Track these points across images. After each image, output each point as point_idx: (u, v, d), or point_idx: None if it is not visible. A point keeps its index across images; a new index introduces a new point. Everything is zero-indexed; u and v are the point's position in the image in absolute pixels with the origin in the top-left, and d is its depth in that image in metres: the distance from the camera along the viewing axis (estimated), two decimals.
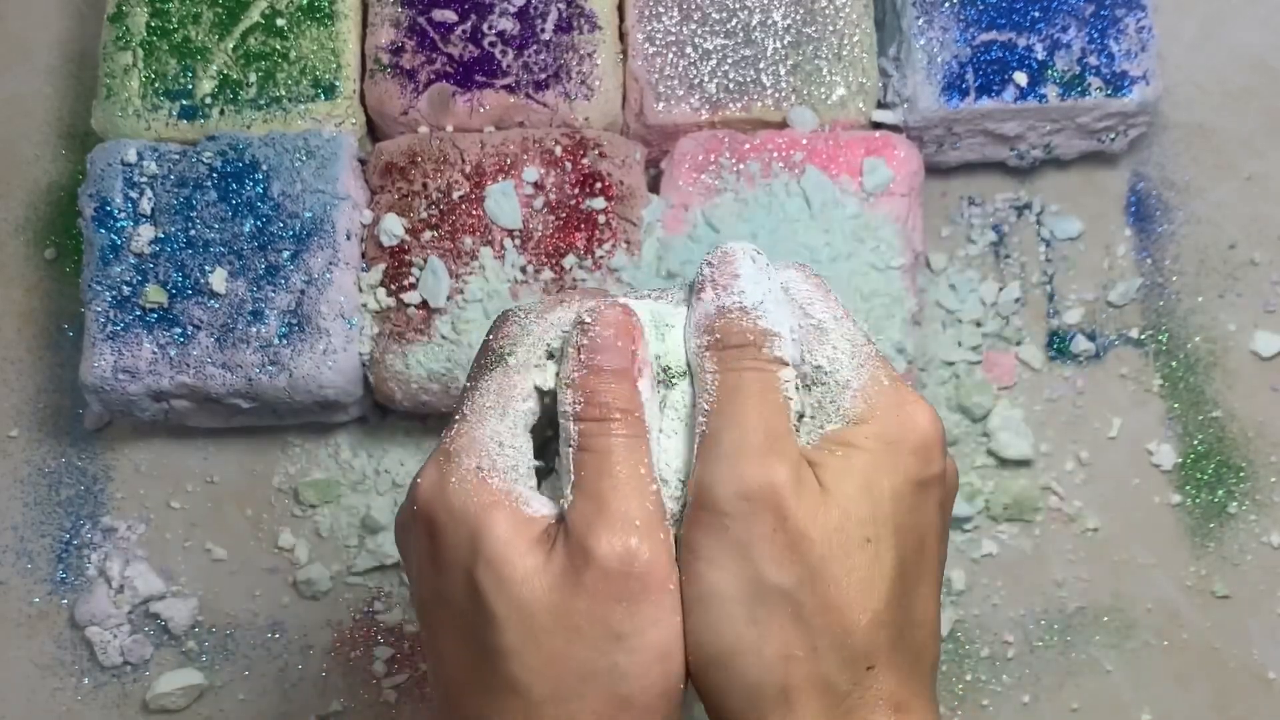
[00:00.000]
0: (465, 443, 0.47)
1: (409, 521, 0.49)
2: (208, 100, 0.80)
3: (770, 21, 0.81)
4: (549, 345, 0.50)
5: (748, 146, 0.78)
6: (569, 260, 0.76)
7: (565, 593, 0.45)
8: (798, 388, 0.49)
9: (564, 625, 0.45)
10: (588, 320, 0.48)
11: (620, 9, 0.82)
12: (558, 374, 0.49)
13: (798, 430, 0.48)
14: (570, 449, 0.47)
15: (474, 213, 0.77)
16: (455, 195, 0.77)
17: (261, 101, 0.80)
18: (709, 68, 0.80)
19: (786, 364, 0.48)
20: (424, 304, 0.76)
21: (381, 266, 0.77)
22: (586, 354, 0.48)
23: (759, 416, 0.46)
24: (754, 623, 0.45)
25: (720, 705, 0.47)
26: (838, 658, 0.45)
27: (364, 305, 0.77)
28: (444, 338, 0.75)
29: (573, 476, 0.47)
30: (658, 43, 0.81)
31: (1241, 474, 0.80)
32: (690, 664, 0.47)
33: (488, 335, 0.51)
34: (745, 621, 0.45)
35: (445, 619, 0.47)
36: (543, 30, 0.81)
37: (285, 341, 0.75)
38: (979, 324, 0.82)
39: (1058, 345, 0.82)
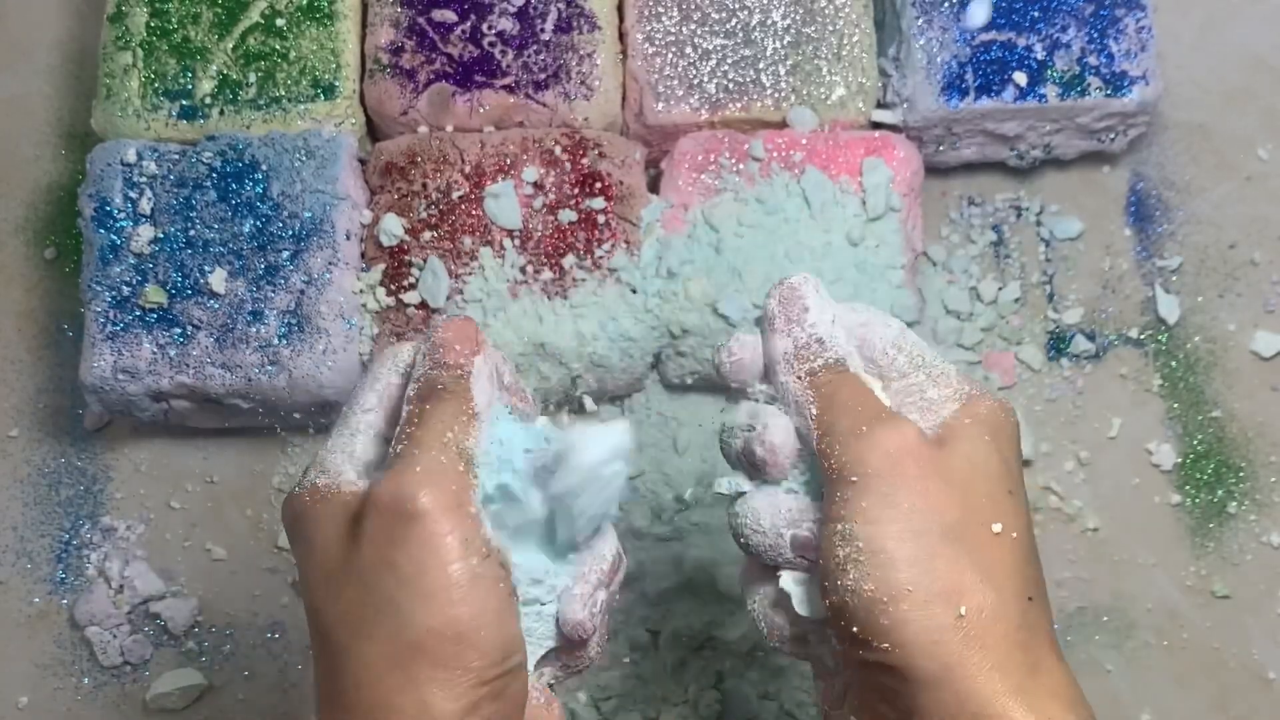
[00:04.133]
0: (313, 462, 0.54)
1: None
2: (207, 100, 0.80)
3: (770, 21, 0.81)
4: (390, 381, 0.55)
5: (747, 147, 0.78)
6: (569, 260, 0.76)
7: (354, 544, 0.49)
8: (884, 389, 0.53)
9: (352, 574, 0.49)
10: (435, 326, 0.54)
11: (620, 9, 0.82)
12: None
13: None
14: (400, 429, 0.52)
15: (474, 213, 0.77)
16: (455, 195, 0.77)
17: (261, 101, 0.80)
18: (709, 68, 0.80)
19: (861, 374, 0.52)
20: (423, 304, 0.76)
21: (381, 266, 0.77)
22: (428, 351, 0.53)
23: (864, 403, 0.51)
24: (919, 562, 0.48)
25: (898, 645, 0.48)
26: (1006, 586, 0.48)
27: (364, 305, 0.77)
28: None
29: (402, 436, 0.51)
30: (657, 43, 0.81)
31: (1241, 474, 0.80)
32: (862, 614, 0.48)
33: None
34: (909, 563, 0.48)
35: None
36: (542, 30, 0.81)
37: (285, 341, 0.75)
38: (979, 324, 0.82)
39: (1057, 345, 0.82)
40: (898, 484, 0.48)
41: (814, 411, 0.51)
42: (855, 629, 0.48)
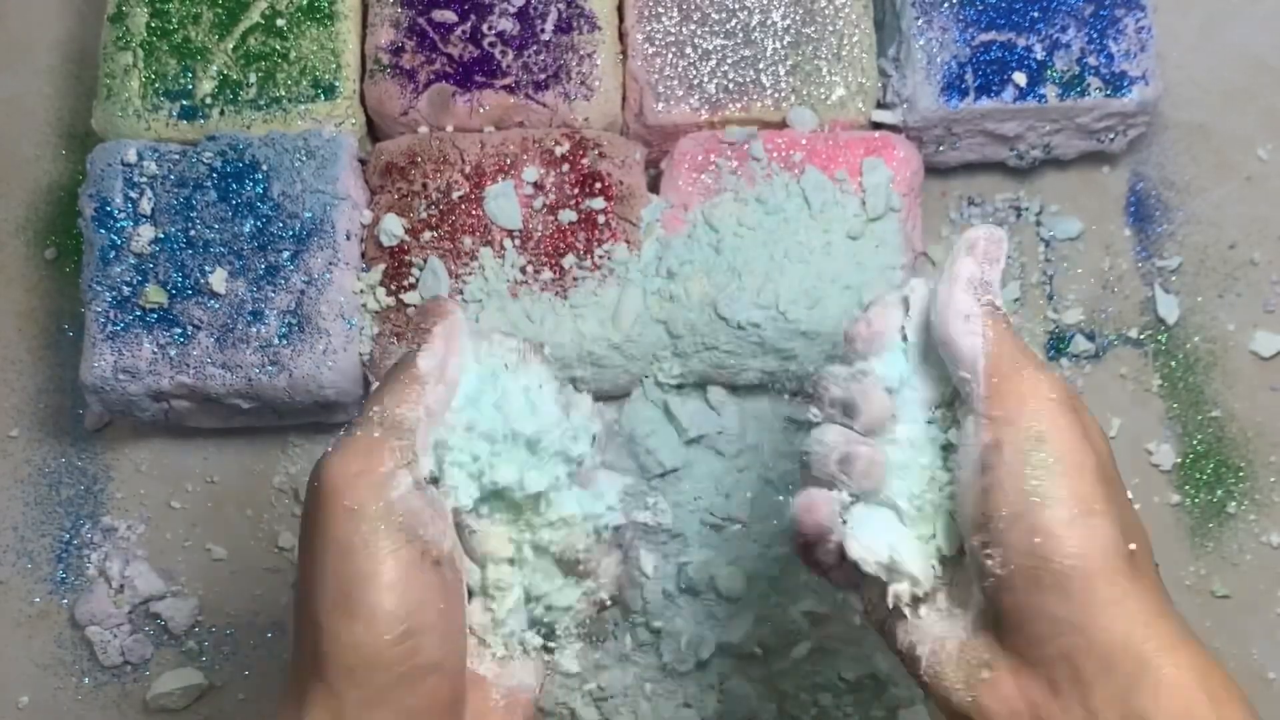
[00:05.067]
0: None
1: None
2: (208, 100, 0.80)
3: (770, 22, 0.81)
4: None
5: (747, 147, 0.78)
6: (569, 260, 0.76)
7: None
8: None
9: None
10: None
11: (620, 9, 0.82)
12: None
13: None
14: None
15: (474, 213, 0.77)
16: (455, 195, 0.77)
17: (261, 102, 0.80)
18: (709, 68, 0.80)
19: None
20: None
21: (381, 266, 0.77)
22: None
23: (1027, 350, 0.54)
24: (1100, 487, 0.50)
25: (1084, 557, 0.49)
26: (1142, 536, 0.51)
27: (364, 305, 0.77)
28: None
29: None
30: (657, 43, 0.81)
31: (1240, 474, 0.80)
32: (1052, 521, 0.50)
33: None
34: (1095, 481, 0.50)
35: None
36: (542, 30, 0.81)
37: (285, 341, 0.75)
38: None
39: (1057, 345, 0.82)
40: (1067, 416, 0.51)
41: (990, 335, 0.53)
42: (1038, 539, 0.49)
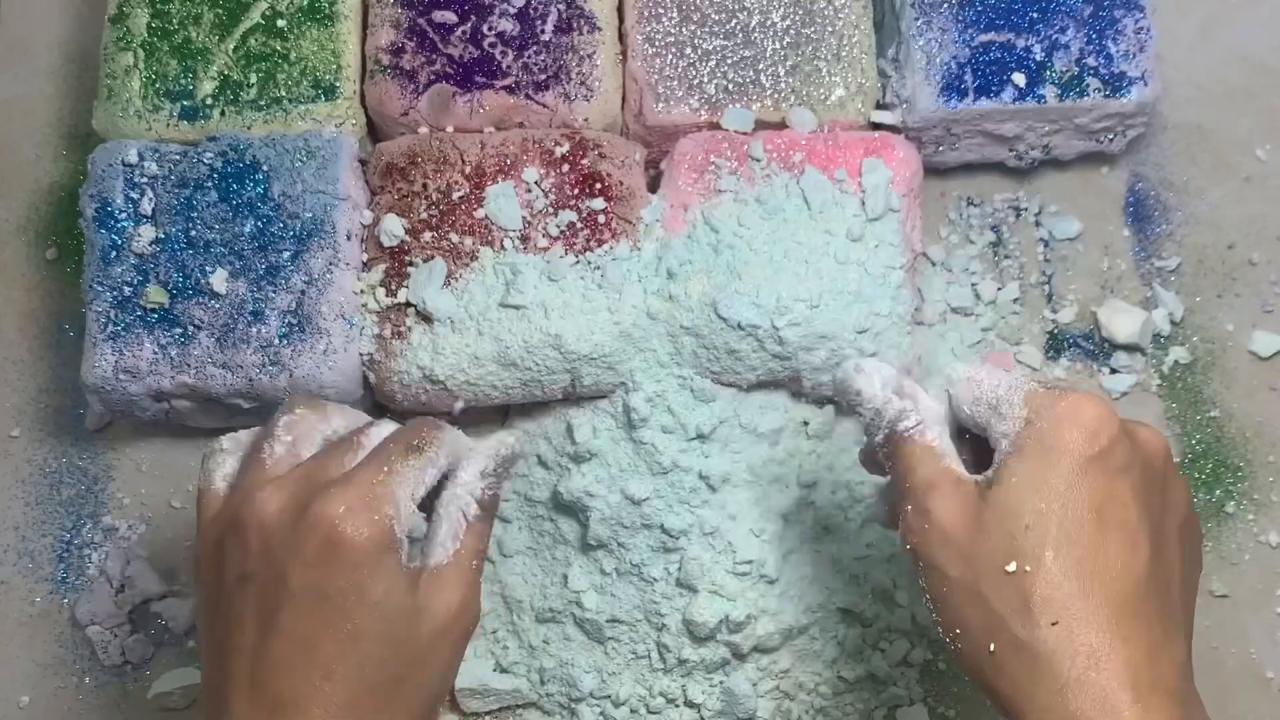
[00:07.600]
0: (386, 494, 0.57)
1: (296, 521, 0.57)
2: (208, 101, 0.81)
3: (769, 22, 0.81)
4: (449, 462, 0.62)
5: (747, 147, 0.78)
6: (569, 260, 0.76)
7: (421, 605, 0.58)
8: (957, 435, 0.59)
9: (420, 634, 0.57)
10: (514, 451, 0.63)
11: (620, 9, 0.82)
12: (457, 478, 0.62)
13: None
14: (461, 526, 0.61)
15: (474, 213, 0.77)
16: (455, 196, 0.78)
17: (262, 102, 0.80)
18: (708, 68, 0.81)
19: (925, 435, 0.58)
20: (425, 303, 0.76)
21: (382, 267, 0.77)
22: (503, 470, 0.62)
23: (920, 472, 0.57)
24: (957, 608, 0.55)
25: (964, 672, 0.56)
26: (1016, 620, 0.53)
27: (364, 305, 0.77)
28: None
29: (457, 544, 0.60)
30: (657, 43, 0.81)
31: (1239, 474, 0.80)
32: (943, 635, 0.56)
33: (411, 432, 0.61)
34: (956, 608, 0.55)
35: (321, 610, 0.57)
36: (542, 31, 0.81)
37: (285, 342, 0.75)
38: (979, 324, 0.82)
39: (1056, 345, 0.83)
40: (935, 544, 0.55)
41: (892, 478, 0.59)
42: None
